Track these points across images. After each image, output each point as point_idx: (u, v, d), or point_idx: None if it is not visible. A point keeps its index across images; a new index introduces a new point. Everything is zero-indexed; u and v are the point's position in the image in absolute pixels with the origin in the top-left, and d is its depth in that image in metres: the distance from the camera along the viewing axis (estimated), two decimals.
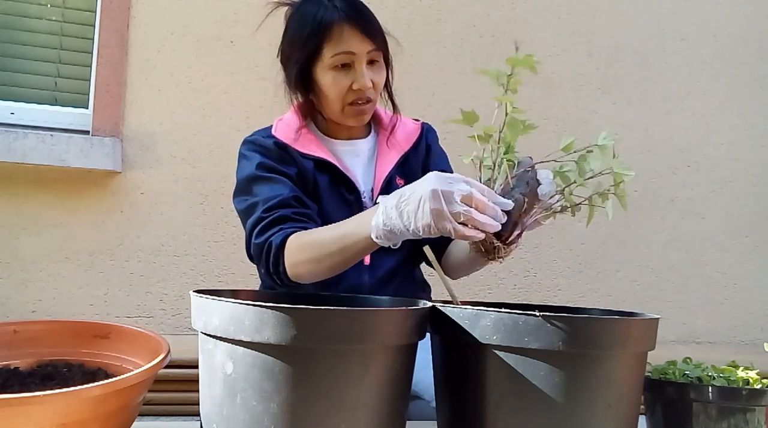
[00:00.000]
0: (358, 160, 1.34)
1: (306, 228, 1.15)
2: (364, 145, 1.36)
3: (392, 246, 1.01)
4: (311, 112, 1.33)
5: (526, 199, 0.90)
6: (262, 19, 1.30)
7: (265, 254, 1.16)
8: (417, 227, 0.90)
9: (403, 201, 0.92)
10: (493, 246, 0.91)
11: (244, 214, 1.24)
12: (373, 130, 1.40)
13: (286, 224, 1.16)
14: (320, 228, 1.14)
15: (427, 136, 1.40)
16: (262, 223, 1.17)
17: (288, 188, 1.21)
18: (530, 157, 0.94)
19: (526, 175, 0.91)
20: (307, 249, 1.10)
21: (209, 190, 2.39)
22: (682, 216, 2.87)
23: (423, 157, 1.39)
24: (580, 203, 0.91)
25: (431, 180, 0.89)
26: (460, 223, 0.87)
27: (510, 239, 0.91)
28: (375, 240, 0.98)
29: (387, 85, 1.31)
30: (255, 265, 1.44)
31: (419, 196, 0.89)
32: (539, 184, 0.92)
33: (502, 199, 0.89)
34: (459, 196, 0.86)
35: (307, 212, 1.20)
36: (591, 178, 0.89)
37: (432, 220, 0.88)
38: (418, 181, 0.92)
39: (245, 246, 1.23)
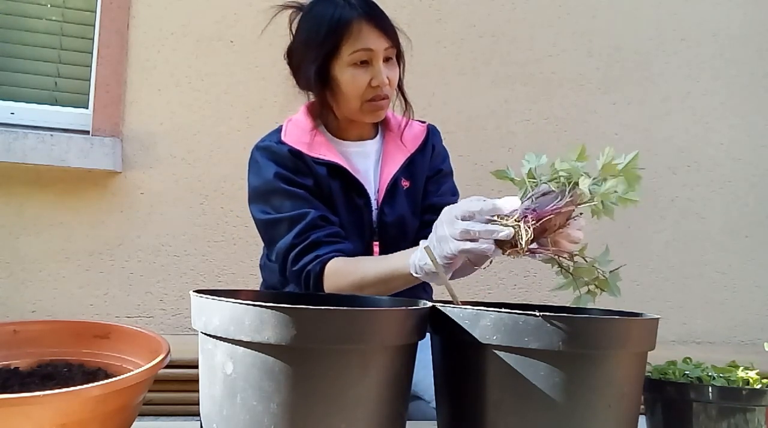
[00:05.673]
0: (368, 160, 1.34)
1: (339, 249, 1.18)
2: (372, 146, 1.36)
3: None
4: (322, 112, 1.31)
5: (562, 208, 0.89)
6: (263, 19, 1.30)
7: (304, 281, 1.18)
8: (442, 257, 0.92)
9: (433, 239, 0.95)
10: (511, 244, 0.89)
11: (265, 227, 1.24)
12: (380, 131, 1.39)
13: (321, 249, 1.17)
14: (362, 258, 1.17)
15: (432, 137, 1.41)
16: (296, 250, 1.18)
17: (311, 205, 1.21)
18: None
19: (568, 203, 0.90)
20: (350, 278, 1.13)
21: (209, 190, 2.39)
22: (682, 216, 2.87)
23: (429, 159, 1.39)
24: (570, 272, 0.94)
25: (439, 221, 0.93)
26: (468, 240, 0.89)
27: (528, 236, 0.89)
28: (415, 275, 1.02)
29: (399, 82, 1.32)
30: (256, 265, 1.44)
31: (436, 237, 0.93)
32: (574, 220, 0.93)
33: (493, 226, 0.88)
34: (457, 232, 0.89)
35: (336, 231, 1.22)
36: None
37: (452, 249, 0.90)
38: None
39: (279, 270, 1.24)
